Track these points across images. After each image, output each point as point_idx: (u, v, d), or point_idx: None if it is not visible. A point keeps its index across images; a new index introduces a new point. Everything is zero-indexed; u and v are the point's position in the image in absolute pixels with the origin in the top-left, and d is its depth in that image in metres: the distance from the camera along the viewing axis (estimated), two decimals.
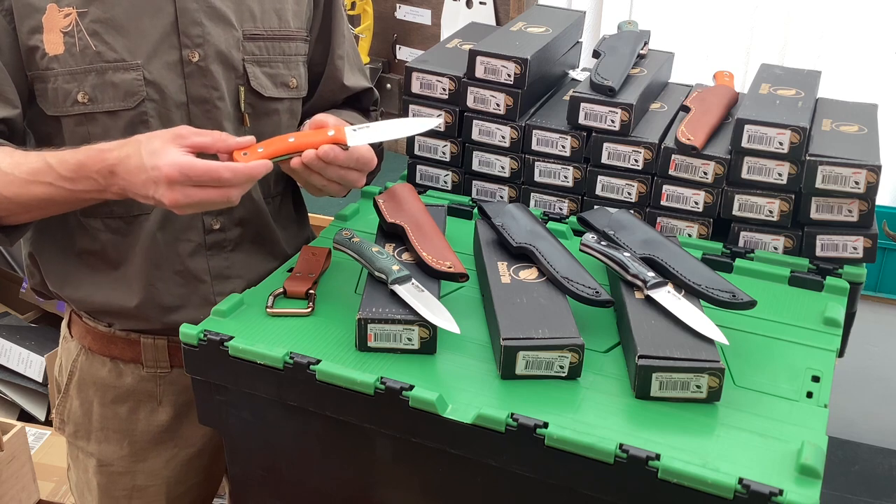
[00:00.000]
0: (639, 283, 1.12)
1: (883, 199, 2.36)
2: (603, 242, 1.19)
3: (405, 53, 2.80)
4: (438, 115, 1.44)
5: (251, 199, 1.30)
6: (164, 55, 1.19)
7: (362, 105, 1.47)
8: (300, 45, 1.33)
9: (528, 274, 1.15)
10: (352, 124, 1.32)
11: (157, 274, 1.26)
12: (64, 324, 1.40)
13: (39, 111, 1.20)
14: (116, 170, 1.07)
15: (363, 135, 1.15)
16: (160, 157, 1.04)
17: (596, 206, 1.38)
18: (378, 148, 1.27)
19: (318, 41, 1.38)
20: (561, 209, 1.43)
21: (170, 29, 1.19)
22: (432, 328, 1.06)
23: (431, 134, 1.47)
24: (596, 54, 1.50)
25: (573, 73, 1.67)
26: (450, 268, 1.14)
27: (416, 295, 1.08)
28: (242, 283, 1.30)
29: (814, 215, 1.29)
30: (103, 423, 1.36)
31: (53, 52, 1.16)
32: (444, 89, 1.44)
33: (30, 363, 2.70)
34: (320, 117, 1.20)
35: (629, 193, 1.37)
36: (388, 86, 2.82)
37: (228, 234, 1.30)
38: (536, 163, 1.41)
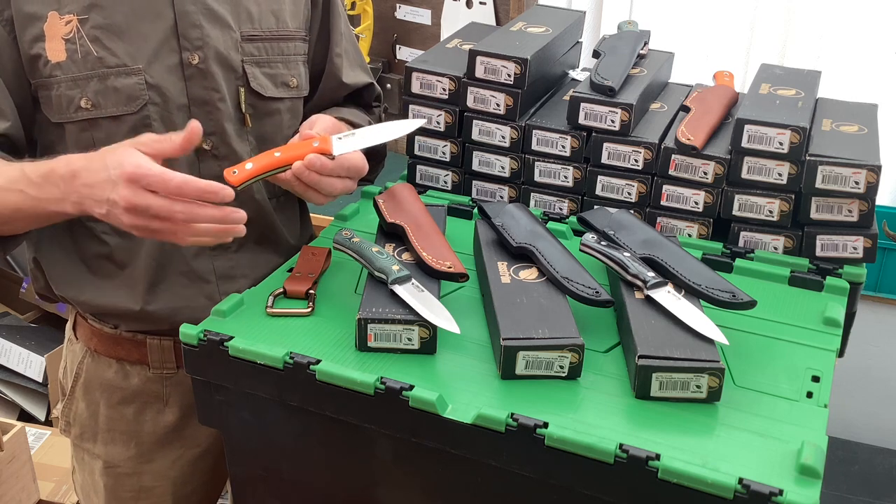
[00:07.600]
0: (639, 283, 1.12)
1: (883, 199, 2.35)
2: (603, 242, 1.19)
3: (405, 53, 2.80)
4: (422, 118, 1.40)
5: (255, 199, 1.30)
6: (164, 59, 1.20)
7: (364, 101, 1.47)
8: (299, 45, 1.33)
9: (528, 274, 1.15)
10: (351, 122, 1.32)
11: (162, 275, 1.26)
12: (69, 326, 1.40)
13: (44, 119, 1.21)
14: (79, 173, 1.06)
15: (348, 142, 1.16)
16: (123, 156, 1.03)
17: (596, 206, 1.38)
18: (381, 146, 1.28)
19: (318, 40, 1.38)
20: (561, 209, 1.43)
21: (170, 32, 1.20)
22: (432, 328, 1.06)
23: (431, 134, 1.47)
24: (596, 54, 1.50)
25: (573, 73, 1.67)
26: (450, 268, 1.13)
27: (416, 295, 1.08)
28: (248, 282, 1.30)
29: (814, 215, 1.29)
30: (110, 425, 1.36)
31: (56, 60, 1.16)
32: (444, 89, 1.44)
33: (30, 363, 2.71)
34: (310, 121, 1.22)
35: (629, 193, 1.37)
36: (388, 86, 2.82)
37: None
38: (536, 163, 1.41)
